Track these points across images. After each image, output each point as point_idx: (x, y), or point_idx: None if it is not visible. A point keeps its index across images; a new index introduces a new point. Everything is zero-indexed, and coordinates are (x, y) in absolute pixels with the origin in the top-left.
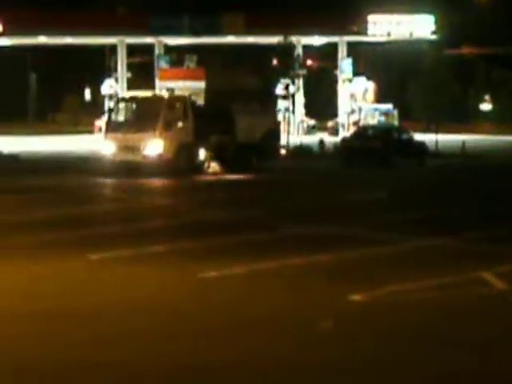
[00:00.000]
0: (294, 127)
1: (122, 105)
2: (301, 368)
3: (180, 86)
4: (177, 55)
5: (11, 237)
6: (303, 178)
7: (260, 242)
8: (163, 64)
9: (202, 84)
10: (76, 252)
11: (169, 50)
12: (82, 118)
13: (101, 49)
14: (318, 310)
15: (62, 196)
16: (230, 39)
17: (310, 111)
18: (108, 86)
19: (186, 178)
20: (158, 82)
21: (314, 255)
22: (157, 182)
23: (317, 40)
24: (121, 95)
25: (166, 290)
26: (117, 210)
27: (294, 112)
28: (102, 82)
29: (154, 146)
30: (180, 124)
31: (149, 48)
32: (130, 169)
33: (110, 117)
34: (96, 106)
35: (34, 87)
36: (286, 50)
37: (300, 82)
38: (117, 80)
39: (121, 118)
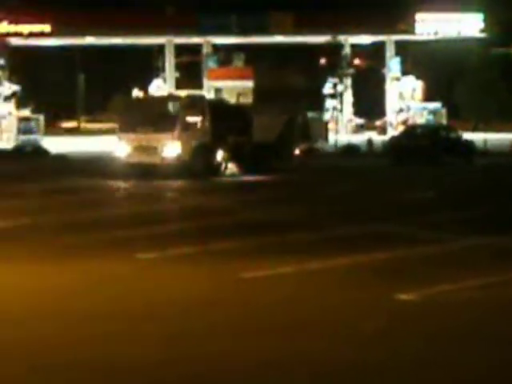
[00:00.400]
0: (343, 126)
1: (135, 104)
2: (344, 369)
3: (228, 85)
4: (225, 55)
5: (59, 237)
6: (350, 177)
7: (305, 242)
8: (211, 64)
9: (249, 83)
10: (123, 252)
11: (217, 49)
12: None
13: (149, 49)
14: (365, 309)
15: (104, 197)
16: (278, 38)
17: (358, 110)
18: (156, 87)
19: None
20: (206, 82)
21: (361, 254)
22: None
23: (365, 39)
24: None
25: (210, 290)
26: (155, 211)
27: (342, 111)
28: (149, 82)
29: (172, 148)
30: (198, 124)
31: (197, 48)
32: (145, 171)
33: (123, 117)
34: None
35: (83, 87)
36: (334, 50)
37: (348, 81)
38: (165, 80)
39: (135, 117)
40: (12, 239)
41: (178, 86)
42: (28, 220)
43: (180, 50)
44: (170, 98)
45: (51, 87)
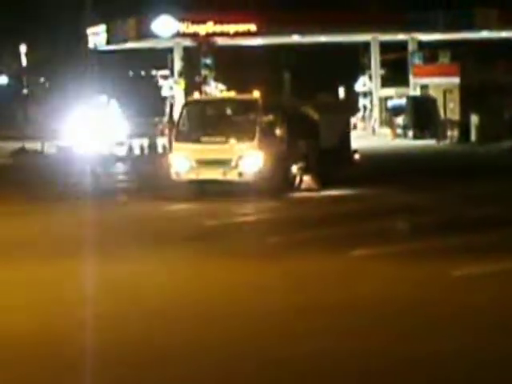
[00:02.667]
0: None
1: (198, 107)
2: None
3: (434, 82)
4: (430, 51)
5: (266, 236)
6: None
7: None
8: (417, 60)
9: (456, 80)
10: (337, 249)
11: (422, 46)
12: None
13: (354, 46)
14: None
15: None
16: (484, 34)
17: None
18: (361, 84)
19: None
20: (411, 79)
21: None
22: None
23: None
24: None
25: (420, 288)
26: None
27: None
28: (355, 79)
29: (253, 160)
30: (277, 132)
31: (402, 45)
32: (216, 190)
33: (178, 123)
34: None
35: (288, 86)
36: None
37: None
38: (370, 77)
39: (198, 124)
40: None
41: (384, 84)
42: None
43: (385, 46)
44: (243, 100)
45: (256, 87)
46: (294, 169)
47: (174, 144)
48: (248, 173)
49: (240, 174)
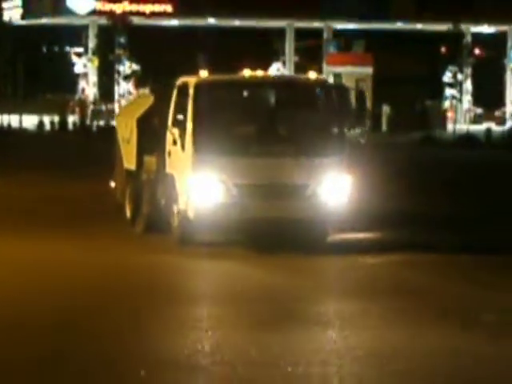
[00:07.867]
0: (461, 115)
1: (215, 95)
2: None
3: (347, 71)
4: (345, 40)
5: None
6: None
7: None
8: (331, 49)
9: (369, 69)
10: None
11: (337, 34)
12: None
13: (269, 32)
14: None
15: None
16: (399, 25)
17: (477, 100)
18: (275, 70)
19: None
20: (325, 67)
21: None
22: None
23: (486, 28)
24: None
25: None
26: None
27: (461, 100)
28: (269, 65)
29: (341, 187)
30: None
31: (317, 32)
32: (279, 230)
33: (195, 121)
34: None
35: (203, 68)
36: (455, 38)
37: (468, 71)
38: (284, 63)
39: (228, 123)
40: None
41: (297, 70)
42: None
43: (300, 34)
44: (300, 84)
45: (170, 67)
46: None
47: (194, 156)
48: (336, 207)
49: (324, 209)
